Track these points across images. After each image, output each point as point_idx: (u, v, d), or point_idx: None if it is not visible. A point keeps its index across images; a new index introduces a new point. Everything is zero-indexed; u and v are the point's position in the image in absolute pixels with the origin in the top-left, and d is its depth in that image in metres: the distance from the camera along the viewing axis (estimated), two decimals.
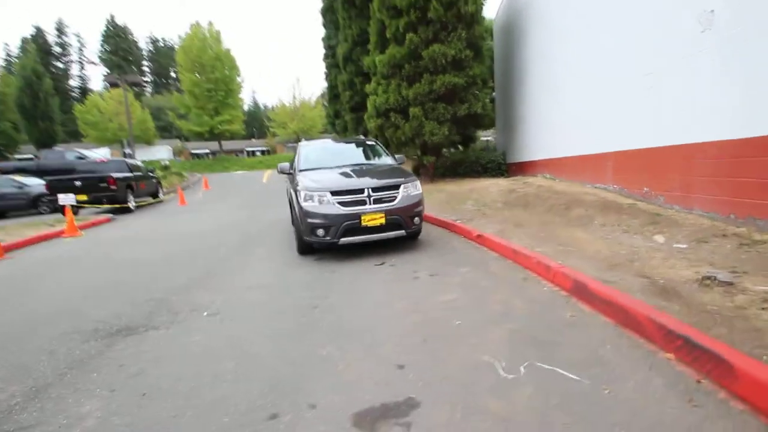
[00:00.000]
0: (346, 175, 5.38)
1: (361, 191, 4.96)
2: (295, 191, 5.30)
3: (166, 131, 45.54)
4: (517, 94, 12.18)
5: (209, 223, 9.41)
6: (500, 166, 13.14)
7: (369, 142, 6.91)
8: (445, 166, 13.57)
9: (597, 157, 7.23)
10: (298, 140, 45.74)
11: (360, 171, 5.54)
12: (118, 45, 59.54)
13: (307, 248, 5.39)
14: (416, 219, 5.20)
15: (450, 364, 2.30)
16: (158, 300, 3.97)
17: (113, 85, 31.34)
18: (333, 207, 4.89)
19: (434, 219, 6.93)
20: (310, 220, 4.93)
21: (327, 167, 5.92)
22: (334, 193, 4.94)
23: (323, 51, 19.88)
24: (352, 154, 6.50)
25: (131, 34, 63.80)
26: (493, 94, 15.64)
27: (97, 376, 2.52)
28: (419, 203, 5.25)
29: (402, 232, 5.09)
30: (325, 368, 2.39)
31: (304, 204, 5.01)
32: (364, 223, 4.85)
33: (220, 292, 4.10)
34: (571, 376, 2.08)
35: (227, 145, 41.96)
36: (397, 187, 5.11)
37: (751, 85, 4.00)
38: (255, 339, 2.93)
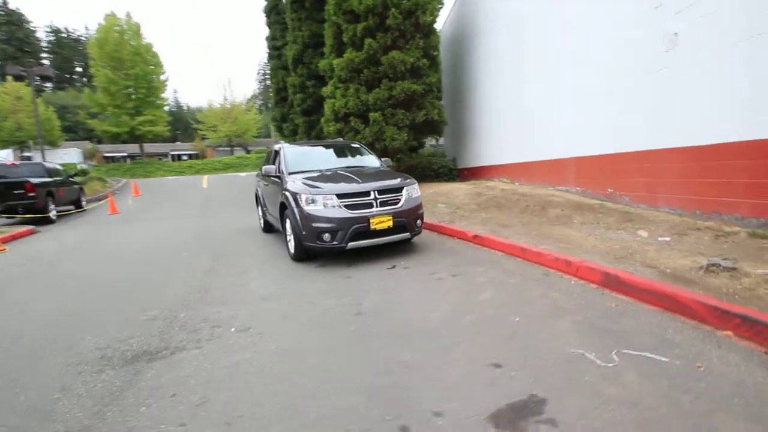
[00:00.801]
0: (345, 178, 5.23)
1: (368, 194, 4.87)
2: (292, 195, 5.03)
3: (71, 132, 40.30)
4: (468, 102, 12.82)
5: (164, 233, 8.52)
6: (451, 171, 13.71)
7: (354, 145, 6.80)
8: (400, 170, 13.80)
9: (559, 162, 7.87)
10: (231, 144, 43.14)
11: (358, 174, 5.42)
12: (12, 34, 51.56)
13: (304, 255, 5.14)
14: (418, 221, 5.22)
15: (545, 359, 2.35)
16: (162, 318, 3.50)
17: (18, 78, 27.03)
18: (340, 210, 4.73)
19: None
20: (315, 225, 4.71)
21: (318, 170, 5.72)
22: (340, 196, 4.78)
23: (267, 51, 19.13)
24: (340, 156, 6.34)
25: (28, 22, 55.67)
26: (441, 102, 16.30)
27: (151, 411, 2.15)
28: (420, 206, 5.27)
29: (407, 234, 5.08)
30: (419, 374, 2.30)
31: (306, 208, 4.78)
32: (372, 227, 4.76)
33: (233, 305, 3.74)
34: (661, 358, 2.24)
35: (149, 148, 38.32)
36: (400, 189, 5.09)
37: (714, 98, 4.66)
38: (310, 351, 2.72)
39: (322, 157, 6.25)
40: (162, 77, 30.97)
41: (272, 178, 6.09)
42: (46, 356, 2.90)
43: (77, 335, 3.24)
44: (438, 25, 13.30)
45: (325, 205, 4.75)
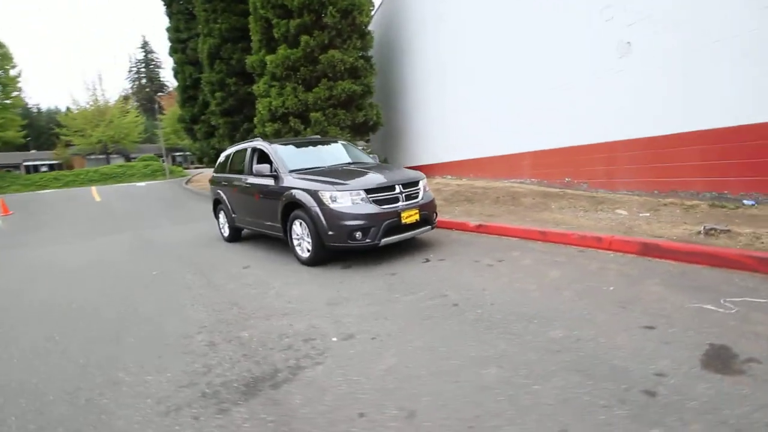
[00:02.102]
0: (357, 173, 5.00)
1: (393, 188, 4.74)
2: (309, 193, 4.62)
3: None
4: (402, 104, 13.25)
5: (95, 255, 7.03)
6: None
7: (342, 142, 6.51)
8: None
9: (513, 156, 8.64)
10: (106, 152, 37.35)
11: (367, 169, 5.23)
12: None
13: (324, 258, 4.78)
14: (435, 214, 5.25)
15: (681, 315, 2.61)
16: (222, 341, 2.93)
17: None
18: (370, 206, 4.51)
19: None
20: (345, 223, 4.41)
21: (320, 167, 5.38)
22: (368, 191, 4.57)
23: (168, 44, 16.87)
24: (335, 153, 6.02)
25: None
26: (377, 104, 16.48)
27: None
28: (434, 198, 5.31)
29: (429, 227, 5.07)
30: (596, 345, 2.36)
31: (333, 206, 4.45)
32: (403, 221, 4.64)
33: (297, 316, 3.30)
34: (761, 300, 2.68)
35: None
36: (417, 183, 5.06)
37: (665, 94, 5.65)
38: (457, 344, 2.54)
39: (314, 154, 5.86)
40: (12, 72, 25.21)
41: (263, 178, 5.51)
42: (125, 402, 2.21)
43: (133, 379, 2.53)
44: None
45: (353, 202, 4.48)
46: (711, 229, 4.22)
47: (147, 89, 54.64)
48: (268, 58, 11.75)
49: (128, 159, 36.08)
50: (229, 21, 13.70)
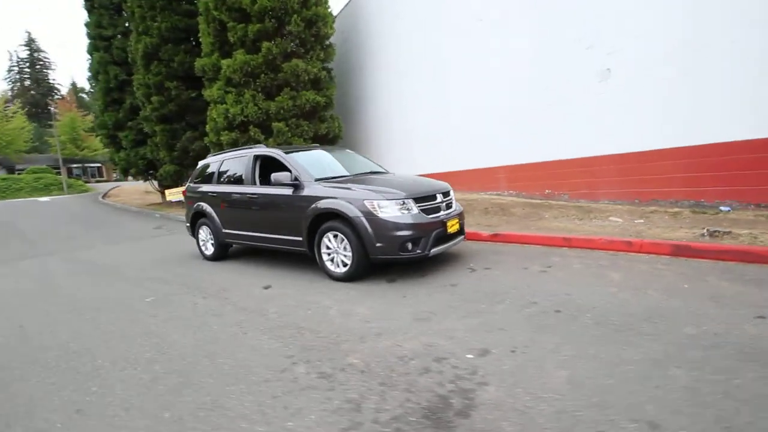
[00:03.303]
0: (395, 182, 4.79)
1: (435, 197, 4.62)
2: (353, 202, 4.28)
3: None
4: (363, 117, 13.20)
5: (39, 286, 5.69)
6: None
7: (348, 150, 6.19)
8: None
9: (487, 170, 9.05)
10: None
11: (393, 178, 5.06)
12: None
13: (368, 271, 4.45)
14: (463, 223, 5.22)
15: None
16: (342, 369, 2.52)
17: None
18: (420, 216, 4.32)
19: None
20: (398, 233, 4.15)
21: (344, 175, 5.08)
22: (417, 200, 4.38)
23: (88, 40, 14.57)
24: (350, 161, 5.69)
25: None
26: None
27: None
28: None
29: (463, 236, 5.01)
30: (739, 340, 2.48)
31: (383, 215, 4.18)
32: (447, 230, 4.53)
33: (398, 335, 2.97)
34: None
35: None
36: (449, 192, 5.00)
37: (646, 114, 6.39)
38: (614, 359, 2.49)
39: (330, 162, 5.48)
40: None
41: (277, 188, 5.00)
42: None
43: (273, 429, 2.02)
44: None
45: (403, 211, 4.25)
46: (715, 231, 4.82)
47: (32, 92, 46.84)
48: (225, 62, 10.93)
49: (12, 171, 30.30)
50: (170, 20, 12.47)
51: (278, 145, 9.17)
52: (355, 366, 2.58)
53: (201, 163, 6.60)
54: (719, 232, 4.77)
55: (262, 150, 5.55)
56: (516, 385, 2.21)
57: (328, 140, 12.70)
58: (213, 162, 6.31)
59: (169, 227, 11.00)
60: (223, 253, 6.17)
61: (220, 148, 11.46)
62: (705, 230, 4.89)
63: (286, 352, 2.85)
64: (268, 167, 5.75)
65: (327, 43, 11.99)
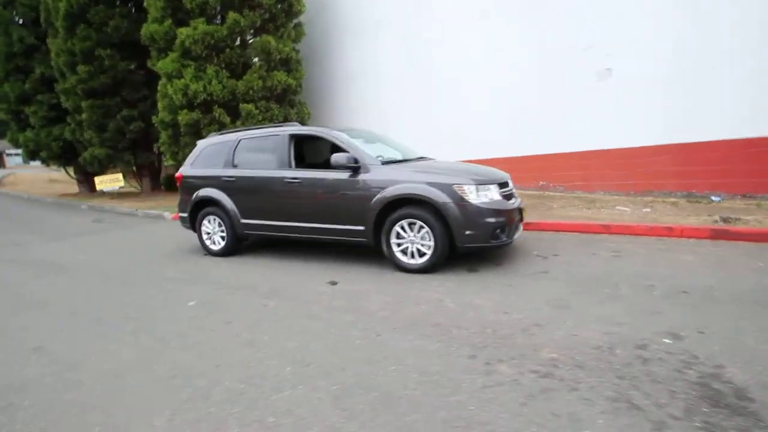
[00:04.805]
0: (468, 167, 4.57)
1: (507, 184, 4.48)
2: (442, 187, 3.93)
3: None
4: (329, 106, 12.53)
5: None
6: None
7: (381, 133, 5.72)
8: None
9: (483, 162, 9.19)
10: None
11: (456, 164, 4.82)
12: None
13: (445, 260, 4.14)
14: None
15: None
16: (536, 365, 2.25)
17: None
18: (505, 202, 4.15)
19: None
20: (490, 220, 3.93)
21: (404, 158, 4.71)
22: (500, 185, 4.19)
23: None
24: (394, 145, 5.25)
25: None
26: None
27: None
28: None
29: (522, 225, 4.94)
30: None
31: (476, 201, 3.91)
32: (523, 217, 4.43)
33: (561, 325, 2.77)
34: None
35: None
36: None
37: (644, 111, 6.98)
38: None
39: (380, 145, 5.01)
40: None
41: (328, 171, 4.44)
42: None
43: None
44: None
45: (492, 197, 4.04)
46: (727, 217, 5.44)
47: None
48: (183, 30, 9.54)
49: None
50: None
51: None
52: (562, 361, 2.32)
53: (203, 144, 5.59)
54: (731, 218, 5.39)
55: (300, 128, 4.88)
56: (752, 363, 2.17)
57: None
58: (221, 142, 5.38)
59: (112, 220, 9.26)
60: (236, 247, 5.32)
61: (175, 129, 9.99)
62: (718, 217, 5.49)
63: (460, 352, 2.47)
64: (301, 149, 5.09)
65: (297, 20, 11.14)
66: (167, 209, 9.71)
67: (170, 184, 14.06)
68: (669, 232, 5.03)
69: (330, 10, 11.93)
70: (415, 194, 3.99)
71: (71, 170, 13.31)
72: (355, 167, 4.30)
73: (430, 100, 9.81)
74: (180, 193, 5.64)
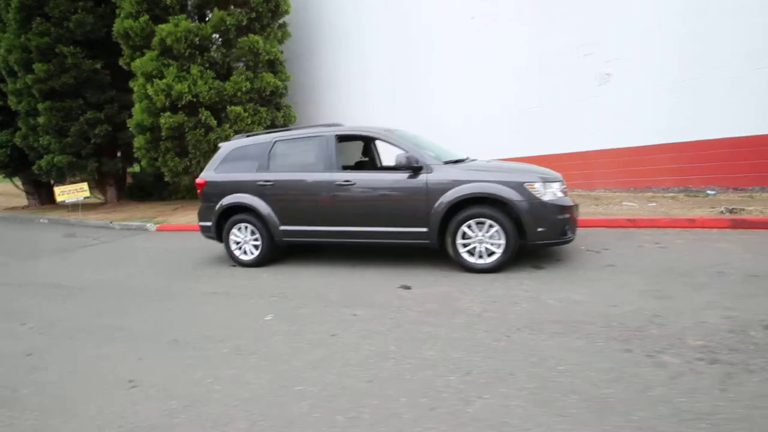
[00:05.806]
0: (516, 167, 4.57)
1: (563, 182, 4.55)
2: (513, 186, 3.91)
3: None
4: (315, 108, 12.21)
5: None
6: None
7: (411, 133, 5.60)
8: None
9: None
10: None
11: (502, 163, 4.86)
12: None
13: (508, 261, 4.13)
14: None
15: None
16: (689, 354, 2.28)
17: None
18: (567, 199, 4.23)
19: None
20: (560, 217, 3.98)
21: (458, 160, 4.64)
22: (562, 183, 4.26)
23: None
24: (428, 145, 5.11)
25: None
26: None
27: None
28: None
29: None
30: None
31: (547, 199, 3.94)
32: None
33: (670, 317, 2.83)
34: None
35: None
36: None
37: (640, 114, 7.48)
38: None
39: (431, 145, 4.90)
40: None
41: (385, 172, 4.31)
42: None
43: None
44: None
45: (556, 195, 4.09)
46: (732, 208, 5.93)
47: None
48: (163, 27, 8.88)
49: None
50: None
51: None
52: (713, 347, 2.34)
53: (228, 147, 5.16)
54: (736, 209, 5.89)
55: (348, 129, 4.66)
56: None
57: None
58: (252, 144, 5.00)
59: (86, 234, 8.30)
60: (271, 256, 4.94)
61: (155, 132, 9.20)
62: (723, 208, 5.98)
63: (612, 347, 2.43)
64: (345, 151, 4.87)
65: (282, 21, 10.76)
66: (147, 220, 8.89)
67: (134, 193, 12.90)
68: (691, 223, 5.39)
69: (313, 12, 11.65)
70: (490, 193, 3.94)
71: (18, 181, 11.80)
72: (416, 167, 4.17)
73: (420, 103, 9.85)
74: (201, 200, 5.16)
